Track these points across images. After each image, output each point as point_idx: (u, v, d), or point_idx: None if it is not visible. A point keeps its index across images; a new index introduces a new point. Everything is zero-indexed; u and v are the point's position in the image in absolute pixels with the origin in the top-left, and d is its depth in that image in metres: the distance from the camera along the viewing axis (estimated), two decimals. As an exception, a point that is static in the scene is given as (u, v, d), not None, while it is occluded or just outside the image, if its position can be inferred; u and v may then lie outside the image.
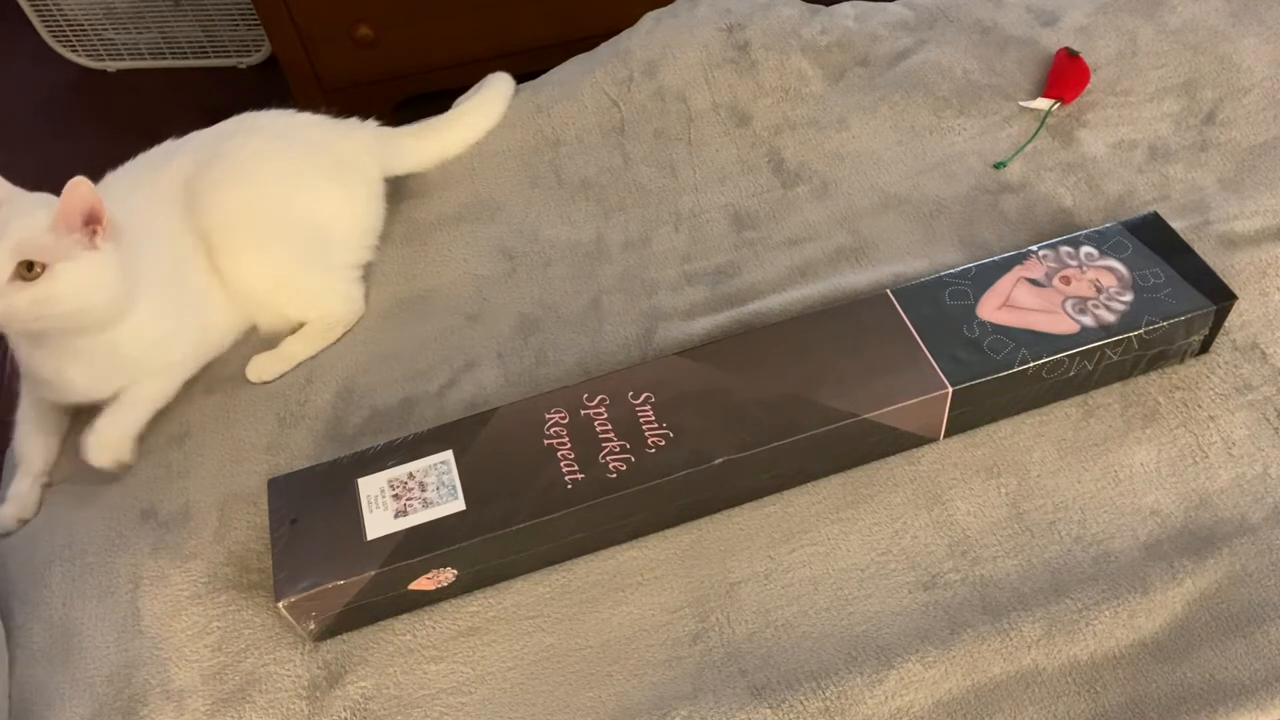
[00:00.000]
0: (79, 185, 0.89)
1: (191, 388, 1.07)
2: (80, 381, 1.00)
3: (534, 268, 1.14)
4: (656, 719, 0.81)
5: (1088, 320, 0.92)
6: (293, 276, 1.08)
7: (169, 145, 1.11)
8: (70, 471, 1.03)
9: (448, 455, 0.89)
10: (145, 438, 1.03)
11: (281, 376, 1.06)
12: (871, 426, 0.89)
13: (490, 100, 1.29)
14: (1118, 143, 1.16)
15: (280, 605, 0.83)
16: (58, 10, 2.06)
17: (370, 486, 0.88)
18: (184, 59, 2.16)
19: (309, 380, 1.05)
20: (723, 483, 0.89)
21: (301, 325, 1.09)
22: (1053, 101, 1.19)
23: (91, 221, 0.92)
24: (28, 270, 0.89)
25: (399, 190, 1.24)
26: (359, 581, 0.83)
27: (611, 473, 0.86)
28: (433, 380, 1.04)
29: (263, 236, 1.07)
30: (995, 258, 0.98)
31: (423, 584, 0.86)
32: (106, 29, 2.10)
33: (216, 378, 1.07)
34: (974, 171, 1.16)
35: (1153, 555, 0.86)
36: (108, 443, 1.00)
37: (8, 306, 0.89)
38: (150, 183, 1.06)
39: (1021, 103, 1.21)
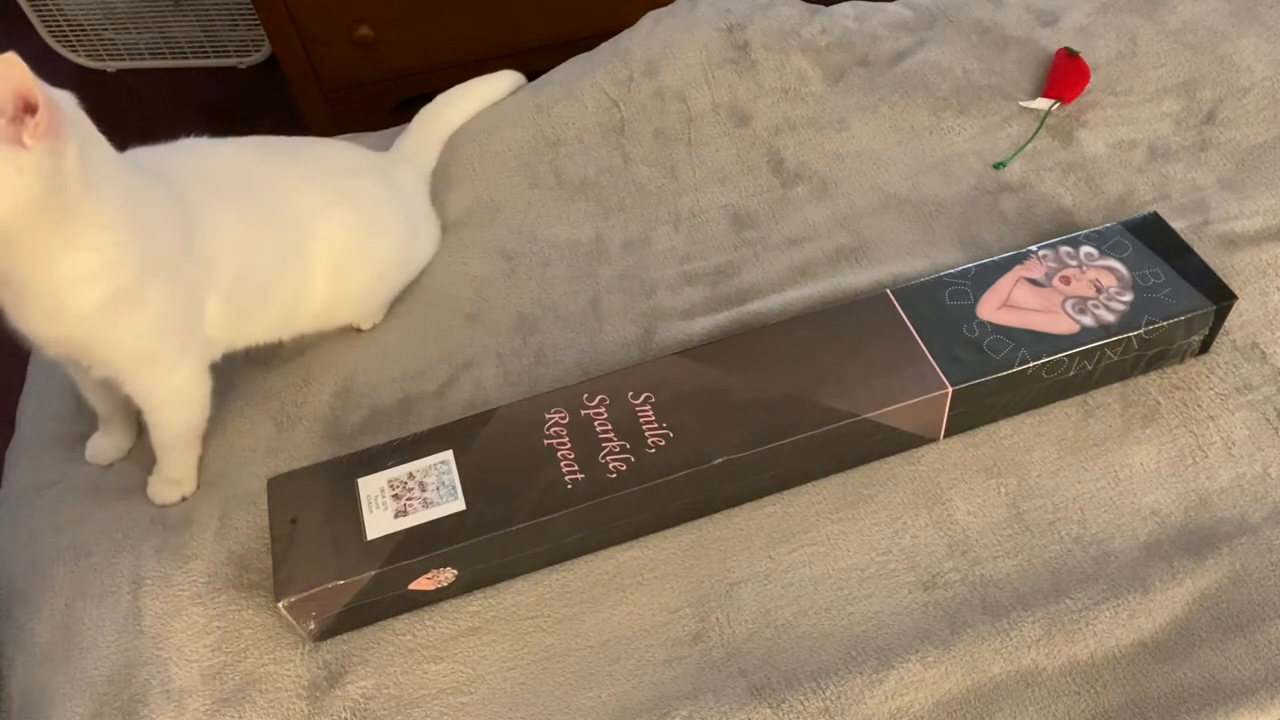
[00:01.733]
0: (9, 65, 0.70)
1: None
2: (35, 324, 0.85)
3: (533, 267, 1.14)
4: (656, 719, 0.81)
5: (1088, 320, 0.92)
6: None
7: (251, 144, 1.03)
8: (73, 474, 1.03)
9: (448, 455, 0.89)
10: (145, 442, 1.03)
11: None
12: (871, 426, 0.89)
13: (480, 83, 1.31)
14: (1118, 143, 1.16)
15: (280, 605, 0.83)
16: (58, 10, 2.06)
17: (370, 486, 0.88)
18: (184, 59, 2.16)
19: (306, 381, 1.05)
20: (723, 483, 0.89)
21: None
22: (1053, 101, 1.19)
23: (25, 111, 0.73)
24: None
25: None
26: (359, 581, 0.83)
27: (611, 473, 0.86)
28: (431, 380, 1.04)
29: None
30: (995, 258, 0.98)
31: (423, 584, 0.86)
32: (106, 29, 2.10)
33: (217, 376, 1.07)
34: (974, 171, 1.16)
35: (1153, 555, 0.86)
36: (172, 482, 0.98)
37: None
38: (225, 167, 0.98)
39: (1021, 103, 1.21)
